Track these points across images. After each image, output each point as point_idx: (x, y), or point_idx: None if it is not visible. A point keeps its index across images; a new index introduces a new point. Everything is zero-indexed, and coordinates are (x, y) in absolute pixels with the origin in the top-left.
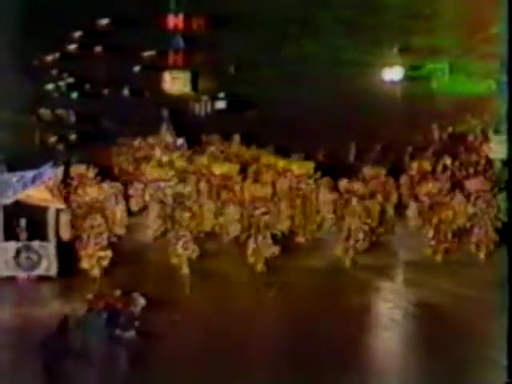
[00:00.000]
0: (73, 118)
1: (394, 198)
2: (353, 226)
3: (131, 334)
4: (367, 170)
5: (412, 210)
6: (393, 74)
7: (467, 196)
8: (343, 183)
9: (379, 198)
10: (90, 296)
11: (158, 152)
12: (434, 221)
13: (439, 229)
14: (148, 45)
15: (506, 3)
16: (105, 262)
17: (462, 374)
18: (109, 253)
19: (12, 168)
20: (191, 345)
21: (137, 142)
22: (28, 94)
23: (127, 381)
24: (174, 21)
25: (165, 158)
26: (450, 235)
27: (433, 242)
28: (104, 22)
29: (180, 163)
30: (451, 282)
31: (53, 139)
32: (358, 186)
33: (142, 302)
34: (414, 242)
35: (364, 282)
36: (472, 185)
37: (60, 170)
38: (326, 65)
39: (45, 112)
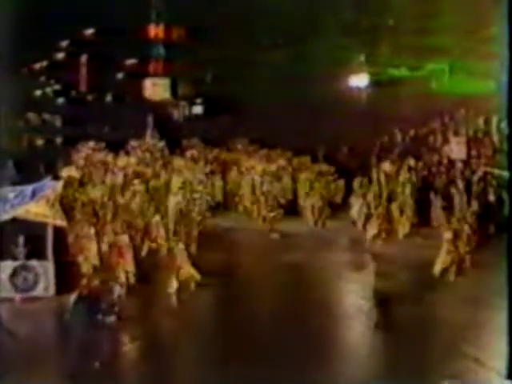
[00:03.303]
0: (59, 123)
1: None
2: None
3: (112, 319)
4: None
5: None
6: (359, 80)
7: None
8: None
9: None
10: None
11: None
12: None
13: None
14: (130, 53)
15: (506, 3)
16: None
17: (427, 361)
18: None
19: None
20: None
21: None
22: (17, 100)
23: None
24: (155, 31)
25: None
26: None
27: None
28: (89, 31)
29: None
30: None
31: (40, 142)
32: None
33: (118, 289)
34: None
35: (332, 274)
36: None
37: (60, 184)
38: (297, 71)
39: (32, 116)
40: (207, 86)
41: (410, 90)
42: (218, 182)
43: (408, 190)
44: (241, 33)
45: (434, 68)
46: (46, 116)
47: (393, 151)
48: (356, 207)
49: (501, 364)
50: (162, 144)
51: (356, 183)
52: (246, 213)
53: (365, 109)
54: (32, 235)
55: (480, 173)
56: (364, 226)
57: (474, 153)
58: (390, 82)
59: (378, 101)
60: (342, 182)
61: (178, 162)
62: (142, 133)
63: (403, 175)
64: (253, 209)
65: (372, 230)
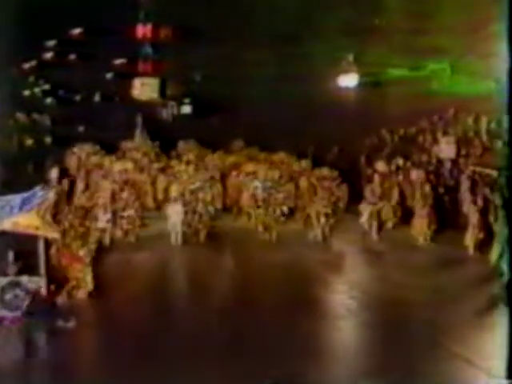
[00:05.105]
0: (48, 122)
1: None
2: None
3: (72, 324)
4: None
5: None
6: (348, 80)
7: None
8: None
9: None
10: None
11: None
12: None
13: None
14: (119, 53)
15: (507, 2)
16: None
17: (415, 361)
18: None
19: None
20: None
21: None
22: (6, 100)
23: None
24: (143, 30)
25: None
26: None
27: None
28: (77, 31)
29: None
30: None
31: (30, 142)
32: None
33: (79, 294)
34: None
35: (320, 275)
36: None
37: (52, 193)
38: (286, 71)
39: (21, 116)
40: (196, 86)
41: (410, 90)
42: (218, 188)
43: (427, 189)
44: (229, 32)
45: (434, 68)
46: (35, 116)
47: (390, 151)
48: (366, 214)
49: (496, 365)
50: (156, 147)
51: (367, 190)
52: (247, 219)
53: (364, 109)
54: (22, 249)
55: (469, 172)
56: (377, 233)
57: (464, 152)
58: (390, 82)
59: (377, 101)
60: (345, 187)
61: (175, 166)
62: (131, 133)
63: (417, 175)
64: (253, 215)
65: (420, 230)
